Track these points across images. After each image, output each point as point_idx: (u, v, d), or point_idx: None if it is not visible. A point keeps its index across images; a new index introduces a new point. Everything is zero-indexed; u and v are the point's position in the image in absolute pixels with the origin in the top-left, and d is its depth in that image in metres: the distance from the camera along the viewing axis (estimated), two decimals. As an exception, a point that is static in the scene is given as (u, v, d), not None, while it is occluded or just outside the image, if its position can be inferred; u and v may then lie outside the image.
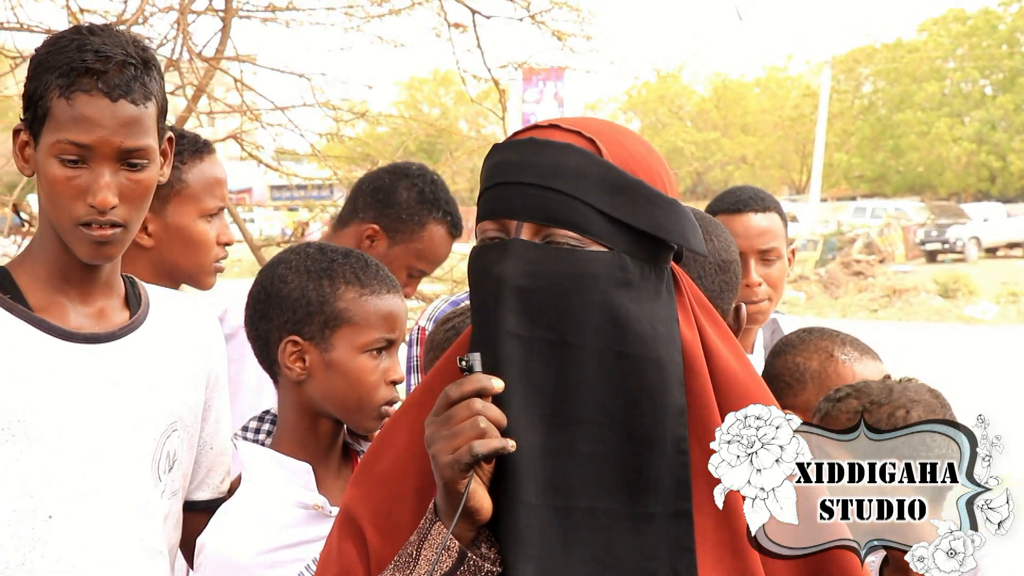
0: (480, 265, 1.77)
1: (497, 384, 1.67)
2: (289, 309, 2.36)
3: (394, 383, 2.41)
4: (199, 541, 2.36)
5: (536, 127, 1.81)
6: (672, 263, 1.83)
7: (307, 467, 2.35)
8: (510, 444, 1.65)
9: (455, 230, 3.60)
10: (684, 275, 1.85)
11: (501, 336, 1.70)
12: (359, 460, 2.47)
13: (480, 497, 1.67)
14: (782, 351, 2.85)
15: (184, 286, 3.06)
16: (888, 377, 2.52)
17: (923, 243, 34.83)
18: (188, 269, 2.98)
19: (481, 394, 1.67)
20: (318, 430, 2.41)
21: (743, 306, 2.51)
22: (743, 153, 51.73)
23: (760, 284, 3.41)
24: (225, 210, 3.08)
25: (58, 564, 2.20)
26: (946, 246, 34.57)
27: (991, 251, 35.69)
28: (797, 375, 2.78)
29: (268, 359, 2.41)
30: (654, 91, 57.89)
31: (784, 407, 2.68)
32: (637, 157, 1.79)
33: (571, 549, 1.68)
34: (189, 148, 2.98)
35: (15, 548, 2.18)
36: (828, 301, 26.58)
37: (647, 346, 1.73)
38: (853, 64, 51.86)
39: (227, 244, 3.05)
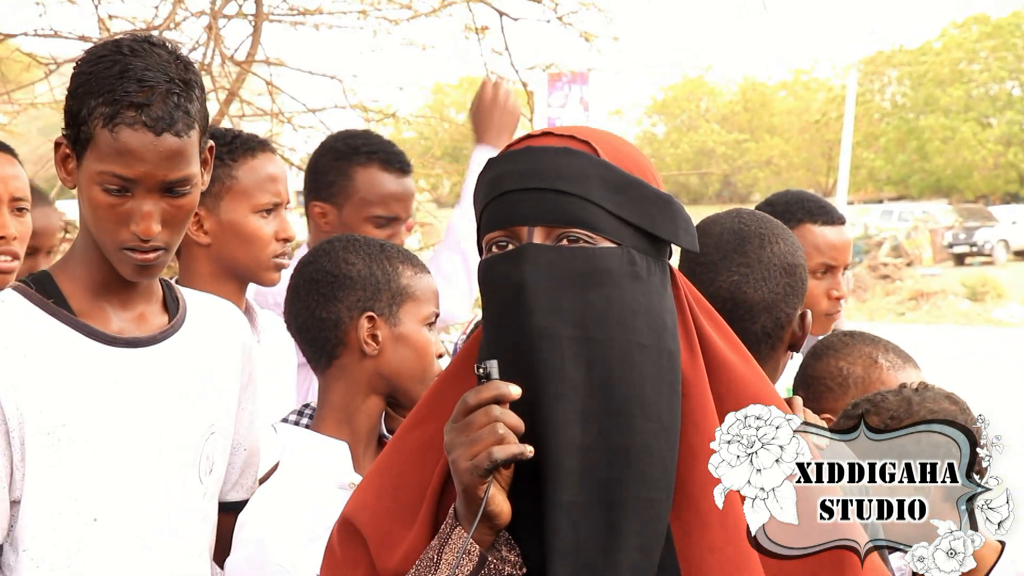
0: (495, 274, 1.79)
1: (515, 391, 1.69)
2: (360, 288, 2.44)
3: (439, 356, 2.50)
4: (241, 518, 2.41)
5: (529, 137, 1.86)
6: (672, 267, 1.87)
7: (344, 445, 2.42)
8: (528, 450, 1.67)
9: (389, 164, 3.55)
10: (679, 274, 1.89)
11: (533, 337, 1.72)
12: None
13: (499, 502, 1.70)
14: (823, 354, 2.84)
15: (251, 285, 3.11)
16: (904, 385, 2.52)
17: (951, 246, 34.61)
18: (247, 265, 3.00)
19: (499, 400, 1.69)
20: (364, 410, 2.47)
21: (808, 312, 2.49)
22: (769, 155, 51.46)
23: (845, 297, 3.45)
24: (285, 206, 3.11)
25: (103, 566, 2.23)
26: (974, 249, 34.34)
27: (1020, 254, 35.42)
28: (840, 380, 2.77)
29: (333, 341, 2.46)
30: (681, 92, 57.70)
31: (824, 411, 2.70)
32: (630, 157, 1.83)
33: (617, 543, 1.70)
34: (241, 146, 3.01)
35: (60, 551, 2.21)
36: (855, 304, 26.46)
37: (660, 337, 1.77)
38: (878, 67, 51.56)
39: (287, 240, 3.07)
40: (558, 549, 1.69)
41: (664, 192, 1.83)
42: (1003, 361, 18.45)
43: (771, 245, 2.42)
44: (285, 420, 2.59)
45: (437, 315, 2.51)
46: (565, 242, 1.76)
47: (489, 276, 1.81)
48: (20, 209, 3.22)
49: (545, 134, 1.84)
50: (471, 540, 1.71)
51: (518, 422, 1.68)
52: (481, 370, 1.71)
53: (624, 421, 1.73)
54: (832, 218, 3.47)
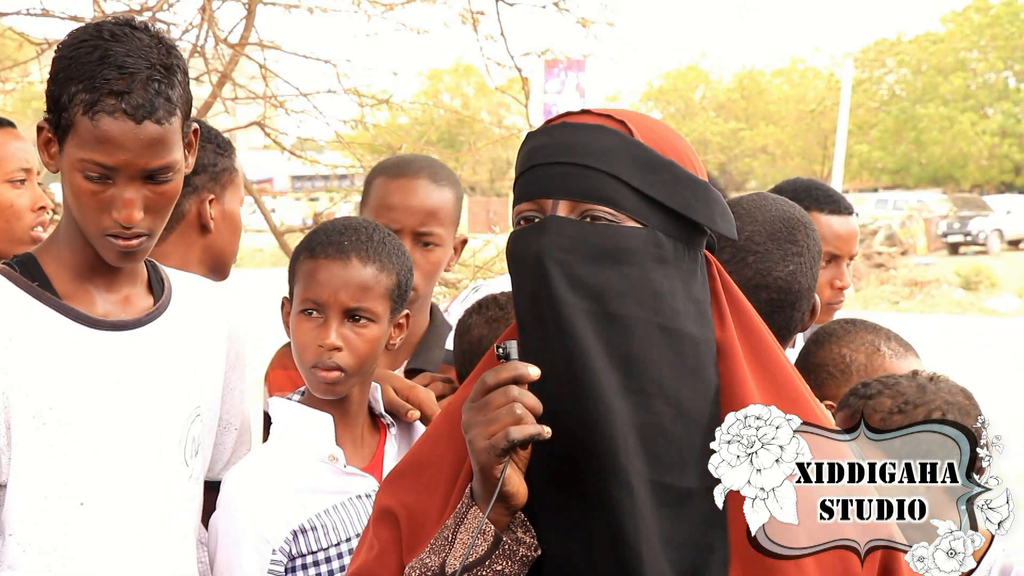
0: (519, 245, 1.80)
1: (533, 371, 1.70)
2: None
3: (323, 347, 2.46)
4: (225, 476, 2.48)
5: (568, 114, 1.85)
6: (706, 251, 1.86)
7: (328, 417, 2.45)
8: (546, 431, 1.68)
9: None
10: (717, 262, 1.88)
11: (555, 306, 1.72)
12: (389, 436, 2.57)
13: (516, 482, 1.71)
14: (824, 341, 2.84)
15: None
16: (916, 373, 2.50)
17: (945, 235, 34.67)
18: (228, 256, 2.98)
19: (517, 381, 1.69)
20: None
21: (817, 299, 2.50)
22: (765, 144, 51.53)
23: (848, 287, 3.45)
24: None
25: (90, 550, 2.23)
26: (968, 238, 34.40)
27: (1014, 243, 35.51)
28: (843, 367, 2.76)
29: None
30: (677, 81, 57.70)
31: (826, 397, 2.70)
32: (666, 140, 1.83)
33: (642, 526, 1.70)
34: (224, 140, 2.99)
35: (47, 535, 2.21)
36: (848, 293, 26.33)
37: (682, 321, 1.76)
38: (877, 55, 51.58)
39: None
40: (624, 511, 1.68)
41: (700, 178, 1.82)
42: (996, 351, 18.47)
43: (813, 232, 2.42)
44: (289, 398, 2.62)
45: (316, 303, 2.48)
46: (589, 219, 1.75)
47: (514, 248, 1.81)
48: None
49: (584, 112, 1.84)
50: (486, 520, 1.72)
51: (536, 403, 1.69)
52: (500, 350, 1.72)
53: (641, 400, 1.72)
54: (839, 207, 3.46)
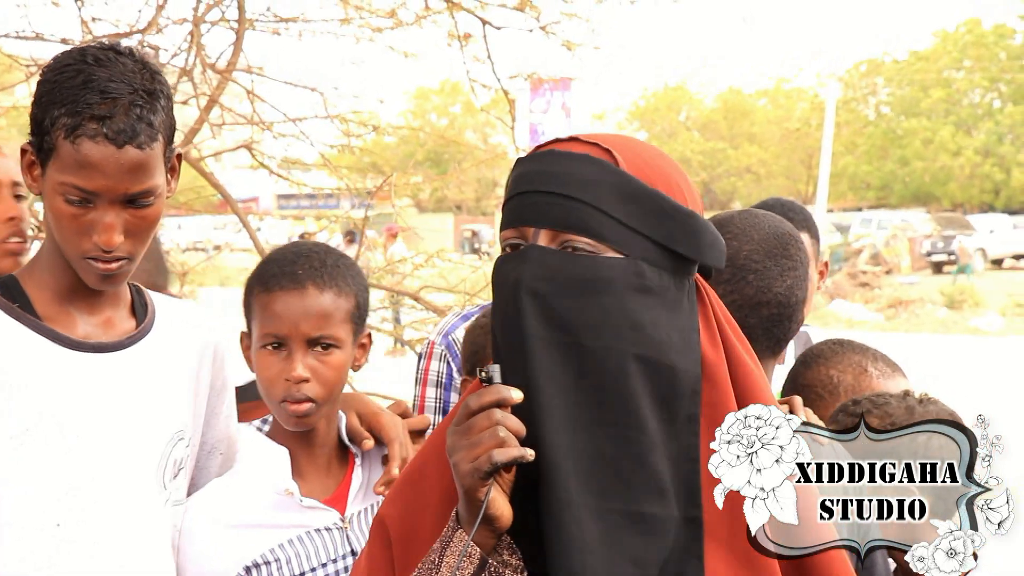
0: (500, 272, 1.81)
1: (516, 395, 1.70)
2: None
3: (289, 380, 2.41)
4: (186, 504, 2.44)
5: (556, 141, 1.86)
6: (699, 277, 1.86)
7: (284, 451, 2.43)
8: (529, 453, 1.68)
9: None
10: (710, 289, 1.88)
11: (524, 338, 1.73)
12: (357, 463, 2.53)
13: (500, 505, 1.71)
14: (813, 362, 2.85)
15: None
16: (908, 393, 2.52)
17: (929, 254, 34.78)
18: None
19: (501, 404, 1.70)
20: None
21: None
22: (749, 163, 51.65)
23: None
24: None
25: (65, 571, 2.22)
26: (952, 257, 34.52)
27: (997, 262, 35.62)
28: (831, 387, 2.78)
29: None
30: (661, 101, 57.83)
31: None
32: (655, 168, 1.82)
33: (611, 548, 1.70)
34: None
35: (22, 554, 2.20)
36: (833, 312, 26.48)
37: (662, 351, 1.76)
38: (863, 75, 51.80)
39: None
40: (559, 547, 1.69)
41: (687, 208, 1.82)
42: (981, 370, 18.50)
43: (801, 244, 2.47)
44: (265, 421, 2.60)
45: (279, 338, 2.43)
46: (570, 249, 1.76)
47: (496, 274, 1.82)
48: (18, 196, 3.28)
49: (572, 139, 1.84)
50: (471, 543, 1.72)
51: (519, 426, 1.69)
52: (483, 374, 1.73)
53: (615, 431, 1.73)
54: (788, 217, 3.49)
